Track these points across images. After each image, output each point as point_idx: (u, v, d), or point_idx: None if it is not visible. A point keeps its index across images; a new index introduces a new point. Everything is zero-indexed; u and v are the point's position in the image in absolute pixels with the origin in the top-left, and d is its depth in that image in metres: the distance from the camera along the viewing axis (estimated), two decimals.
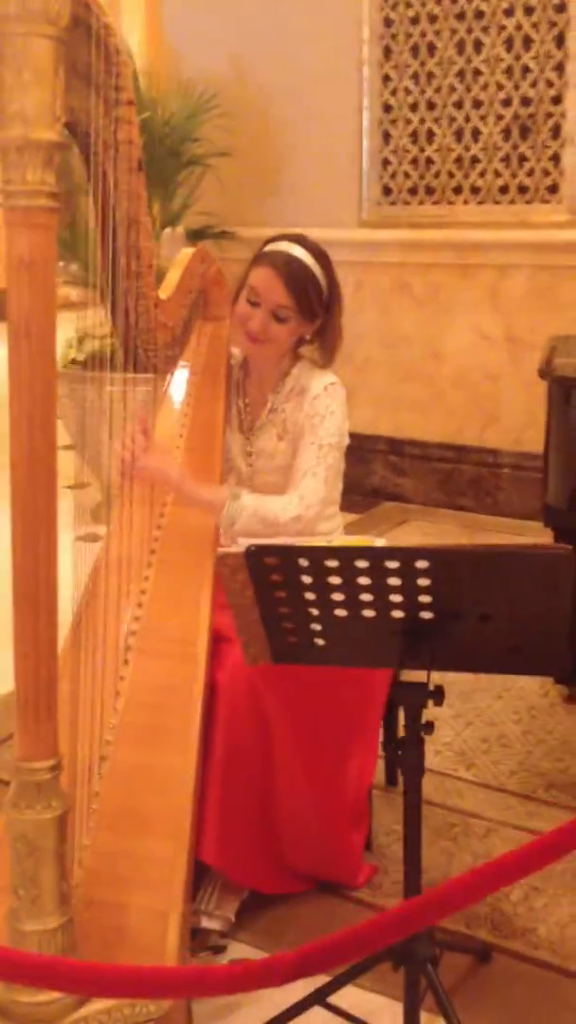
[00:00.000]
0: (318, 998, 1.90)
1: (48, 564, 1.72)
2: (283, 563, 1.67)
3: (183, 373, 2.43)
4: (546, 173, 4.60)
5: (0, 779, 2.69)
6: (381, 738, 2.43)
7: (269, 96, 5.05)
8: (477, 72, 4.65)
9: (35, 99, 1.61)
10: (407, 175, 4.89)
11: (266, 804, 2.22)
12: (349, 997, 1.95)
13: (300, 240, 2.38)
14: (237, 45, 5.02)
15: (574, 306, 4.61)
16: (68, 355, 4.78)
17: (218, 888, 2.19)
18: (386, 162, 4.93)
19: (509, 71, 4.58)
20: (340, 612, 1.71)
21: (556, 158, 4.57)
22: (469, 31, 4.62)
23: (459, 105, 4.71)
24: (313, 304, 2.32)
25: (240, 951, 2.15)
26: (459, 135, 4.74)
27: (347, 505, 2.62)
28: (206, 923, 2.15)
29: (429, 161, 4.82)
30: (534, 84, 4.55)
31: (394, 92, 4.85)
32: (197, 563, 2.21)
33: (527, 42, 4.52)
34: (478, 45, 4.62)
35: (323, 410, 2.32)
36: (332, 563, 1.65)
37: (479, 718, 3.07)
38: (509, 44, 4.56)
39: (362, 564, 1.64)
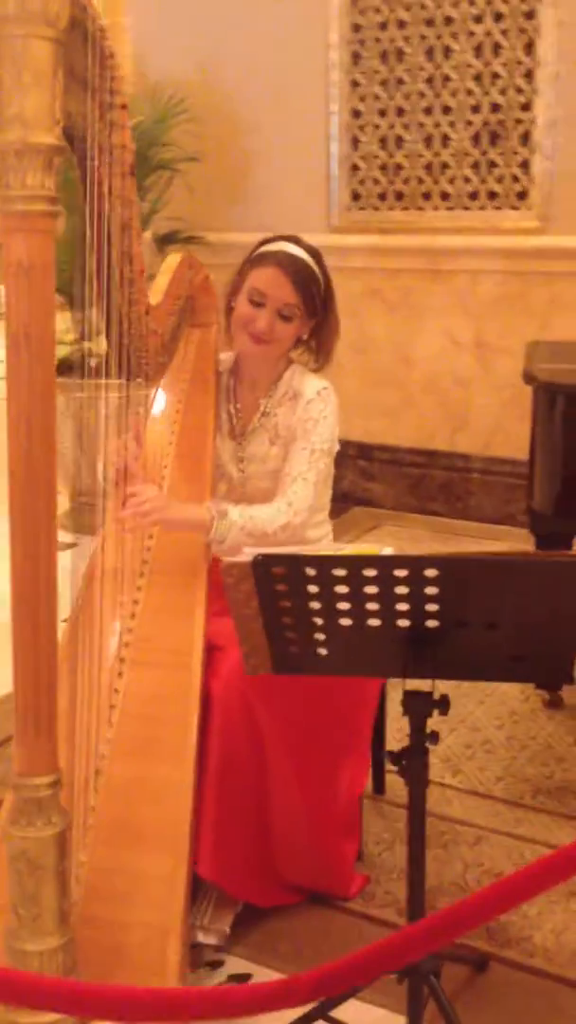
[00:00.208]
0: (321, 1011, 1.87)
1: (48, 573, 1.69)
2: (290, 572, 1.64)
3: (172, 380, 2.40)
4: (515, 179, 4.61)
5: None
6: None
7: (237, 101, 5.03)
8: (446, 78, 4.65)
9: (34, 102, 1.58)
10: (376, 181, 4.89)
11: (260, 815, 2.20)
12: (351, 1010, 1.92)
13: (296, 240, 2.40)
14: (203, 50, 4.99)
15: (544, 312, 4.63)
16: None
17: (213, 902, 2.17)
18: (355, 167, 4.92)
19: (478, 77, 4.59)
20: (345, 621, 1.70)
21: (525, 165, 4.58)
22: (438, 37, 4.63)
23: (428, 111, 4.71)
24: (316, 302, 2.33)
25: (237, 966, 2.12)
26: (428, 141, 4.74)
27: None
28: (202, 938, 2.12)
29: (398, 167, 4.82)
30: (503, 91, 4.56)
31: (363, 98, 4.84)
32: (190, 571, 2.18)
33: (496, 48, 4.53)
34: (447, 51, 4.63)
35: (316, 414, 2.31)
36: (340, 572, 1.63)
37: (462, 724, 3.06)
38: (478, 50, 4.57)
39: (370, 573, 1.62)
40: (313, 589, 1.66)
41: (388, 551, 1.66)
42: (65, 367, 4.64)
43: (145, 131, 4.72)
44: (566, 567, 1.56)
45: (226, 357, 2.48)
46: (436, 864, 2.46)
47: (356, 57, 4.82)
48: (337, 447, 2.36)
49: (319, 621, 1.71)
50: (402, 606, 1.65)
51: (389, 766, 2.67)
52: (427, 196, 4.79)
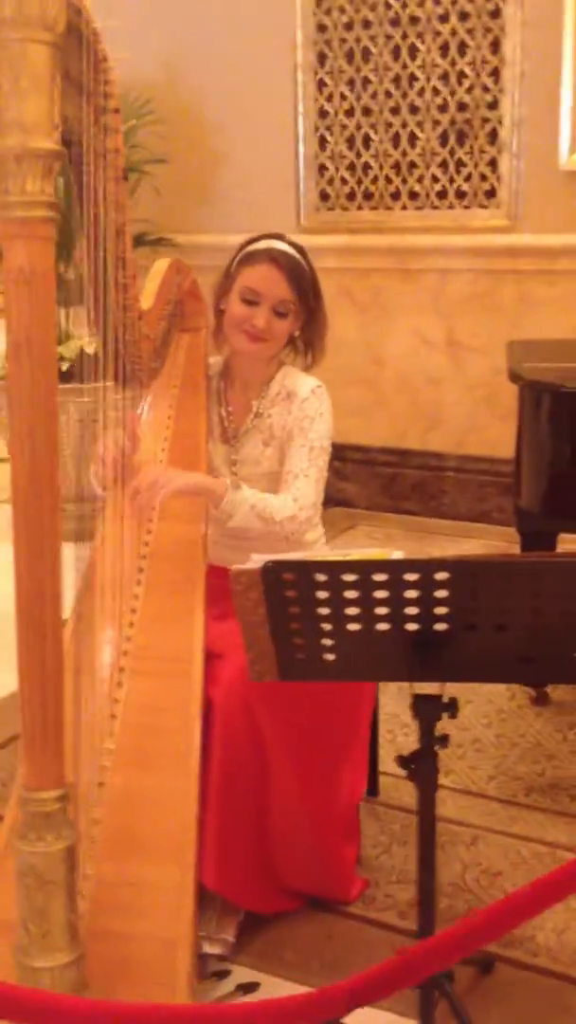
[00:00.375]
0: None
1: (53, 586, 1.66)
2: (299, 578, 1.63)
3: (164, 385, 2.38)
4: (483, 178, 4.63)
5: None
6: None
7: (203, 102, 5.01)
8: (413, 78, 4.66)
9: (33, 107, 1.55)
10: (344, 181, 4.89)
11: (260, 822, 2.19)
12: (360, 1015, 1.91)
13: (281, 237, 2.41)
14: (169, 51, 4.97)
15: (514, 310, 4.66)
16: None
17: (216, 911, 2.15)
18: (323, 168, 4.92)
19: (445, 77, 4.61)
20: (353, 626, 1.69)
21: (493, 163, 4.60)
22: (404, 37, 4.64)
23: (395, 111, 4.72)
24: (309, 296, 2.34)
25: (244, 975, 2.10)
26: (396, 140, 4.75)
27: None
28: (207, 948, 2.11)
29: (366, 167, 4.83)
30: (470, 90, 4.58)
31: (329, 98, 4.84)
32: (187, 578, 2.17)
33: (462, 48, 4.55)
34: (413, 51, 4.63)
35: (313, 412, 2.32)
36: (350, 577, 1.62)
37: (450, 724, 3.04)
38: (444, 50, 4.58)
39: (380, 577, 1.61)
40: (322, 595, 1.65)
41: (398, 555, 1.65)
42: None
43: None
44: None
45: (215, 361, 2.47)
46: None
47: (322, 57, 4.82)
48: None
49: (327, 627, 1.70)
50: (411, 610, 1.65)
51: (383, 768, 2.71)
52: (396, 196, 4.80)
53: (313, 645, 1.73)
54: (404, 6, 4.60)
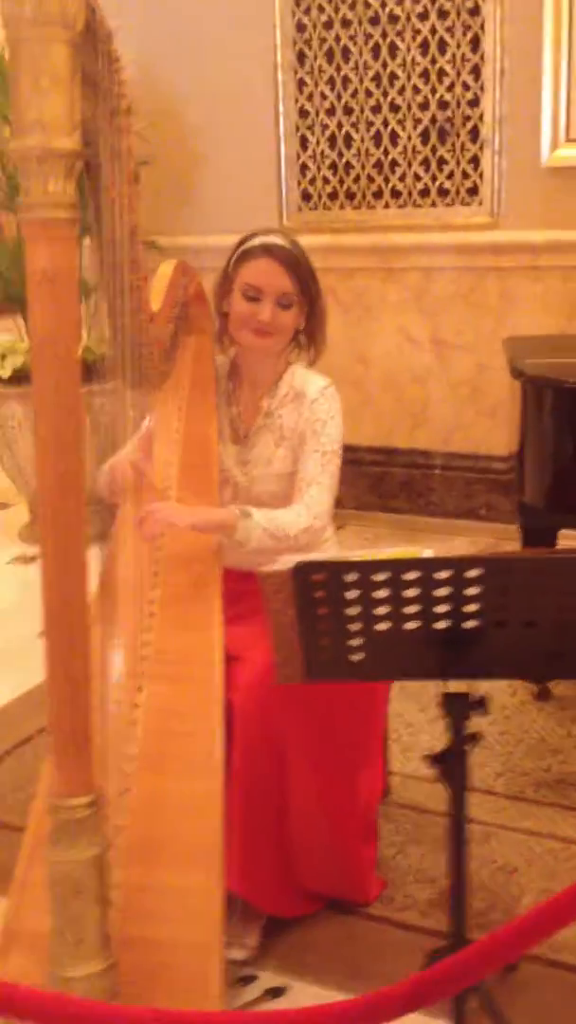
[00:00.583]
0: None
1: (81, 590, 1.65)
2: (330, 579, 1.62)
3: (173, 387, 2.36)
4: (465, 176, 4.64)
5: None
6: None
7: (182, 103, 4.99)
8: (393, 76, 4.66)
9: (54, 106, 1.54)
10: (326, 180, 4.88)
11: (281, 825, 2.17)
12: None
13: (274, 231, 2.41)
14: (149, 52, 4.94)
15: (498, 307, 4.66)
16: None
17: (238, 916, 2.13)
18: (304, 167, 4.91)
19: (425, 75, 4.60)
20: (382, 626, 1.67)
21: (475, 161, 4.61)
22: (384, 35, 4.63)
23: (376, 109, 4.72)
24: (310, 286, 2.34)
25: (271, 980, 2.09)
26: (377, 139, 4.75)
27: None
28: (232, 953, 2.09)
29: (348, 166, 4.82)
30: (450, 87, 4.58)
31: (310, 97, 4.83)
32: (203, 581, 2.15)
33: (442, 46, 4.55)
34: (393, 49, 4.63)
35: (324, 415, 2.31)
36: (381, 576, 1.61)
37: None
38: (424, 48, 4.58)
39: (411, 576, 1.60)
40: (352, 595, 1.64)
41: (428, 553, 1.64)
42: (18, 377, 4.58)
43: None
44: None
45: (220, 362, 2.45)
46: None
47: (302, 57, 4.80)
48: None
49: (355, 627, 1.68)
50: (441, 608, 1.64)
51: (393, 767, 2.71)
52: (378, 194, 4.80)
53: (340, 645, 1.72)
54: (383, 4, 4.60)
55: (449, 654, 1.70)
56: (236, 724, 2.06)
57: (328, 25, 4.72)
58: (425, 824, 2.61)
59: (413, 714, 3.09)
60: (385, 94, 4.69)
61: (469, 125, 4.59)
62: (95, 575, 2.19)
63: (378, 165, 4.77)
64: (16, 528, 4.92)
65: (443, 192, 4.69)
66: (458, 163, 4.64)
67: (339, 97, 4.77)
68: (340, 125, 4.80)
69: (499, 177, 4.57)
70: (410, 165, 4.71)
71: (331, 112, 4.81)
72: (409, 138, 4.68)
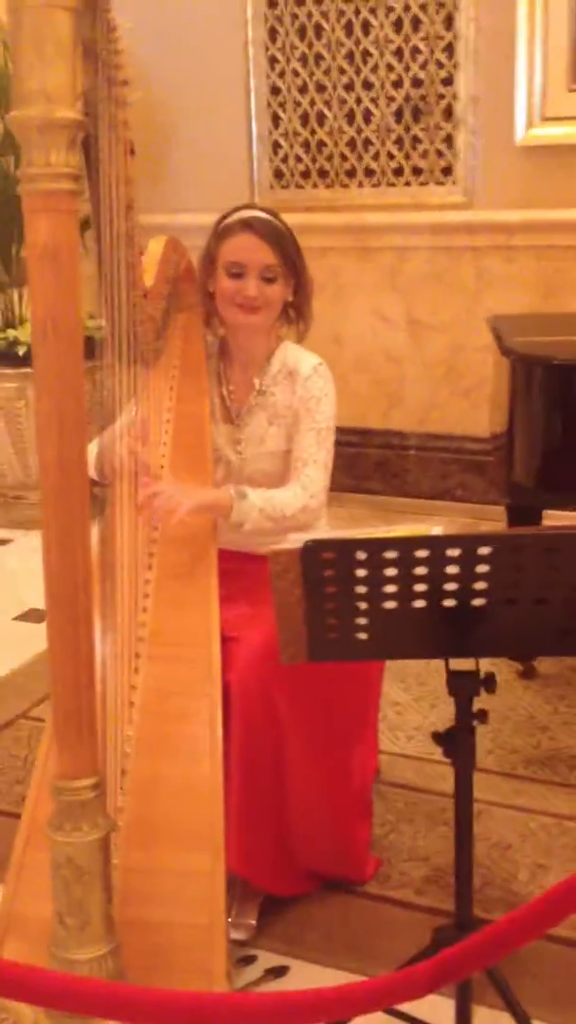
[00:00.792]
0: None
1: (85, 572, 1.62)
2: (340, 557, 1.60)
3: (165, 366, 2.33)
4: (440, 155, 4.62)
5: None
6: None
7: (153, 80, 4.91)
8: (367, 54, 4.63)
9: (57, 75, 1.50)
10: (299, 159, 4.84)
11: (278, 804, 2.16)
12: None
13: (253, 205, 2.40)
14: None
15: (473, 287, 4.66)
16: None
17: (236, 895, 2.12)
18: (277, 145, 4.87)
19: (399, 52, 4.58)
20: (390, 604, 1.66)
21: (449, 140, 4.59)
22: (356, 12, 4.60)
23: (349, 87, 4.69)
24: (294, 258, 2.32)
25: (270, 960, 2.08)
26: (351, 117, 4.72)
27: None
28: (232, 934, 2.08)
29: (321, 144, 4.79)
30: (424, 65, 4.56)
31: (282, 74, 4.79)
32: (199, 560, 2.13)
33: (416, 23, 4.52)
34: (366, 26, 4.60)
35: (318, 392, 2.29)
36: (391, 554, 1.59)
37: (440, 700, 3.07)
38: (398, 25, 4.55)
39: (422, 554, 1.59)
40: (361, 573, 1.62)
41: (437, 531, 1.63)
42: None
43: None
44: None
45: (211, 341, 2.43)
46: (444, 842, 2.46)
47: (273, 33, 4.76)
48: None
49: (363, 605, 1.67)
50: (450, 586, 1.63)
51: (381, 747, 2.70)
52: (351, 173, 4.77)
53: (347, 624, 1.70)
54: None
55: (456, 632, 1.69)
56: (234, 703, 2.04)
57: (300, 1, 4.68)
58: (416, 802, 2.61)
59: (398, 693, 3.08)
60: (358, 72, 4.66)
61: (443, 104, 4.57)
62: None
63: (351, 144, 4.74)
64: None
65: (417, 171, 4.67)
66: (432, 142, 4.62)
67: (311, 74, 4.73)
68: (312, 103, 4.76)
69: (473, 156, 4.56)
70: (383, 144, 4.69)
71: (303, 90, 4.77)
72: (383, 116, 4.66)
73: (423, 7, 4.49)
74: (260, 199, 4.87)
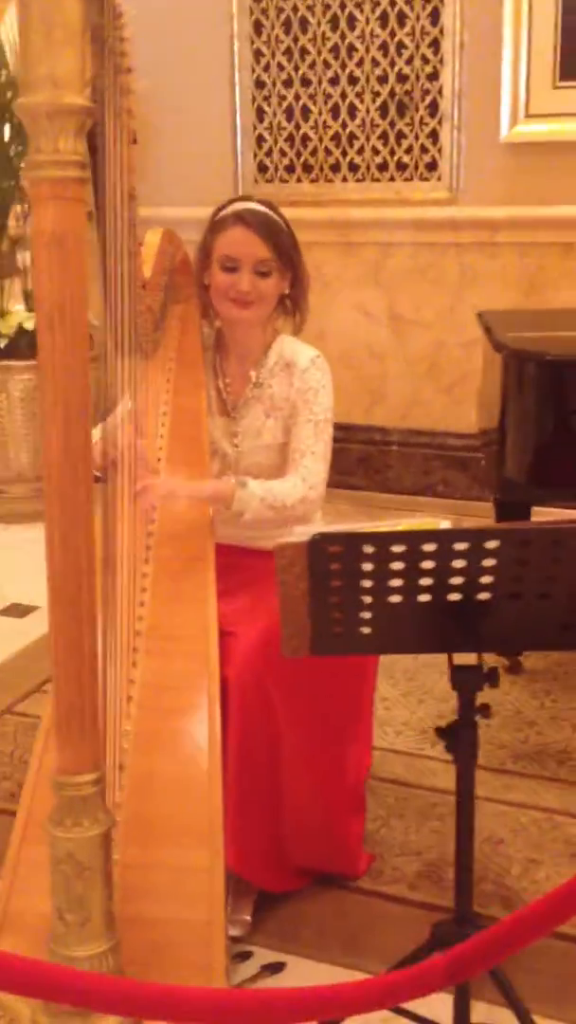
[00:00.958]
0: None
1: (89, 565, 1.60)
2: (346, 550, 1.59)
3: (162, 358, 2.31)
4: (424, 150, 4.62)
5: None
6: None
7: (137, 73, 4.87)
8: (352, 48, 4.62)
9: (66, 61, 1.48)
10: (283, 153, 4.83)
11: (272, 800, 2.15)
12: None
13: (249, 197, 2.38)
14: None
15: (456, 283, 4.66)
16: None
17: (232, 891, 2.11)
18: (261, 139, 4.85)
19: (384, 47, 4.57)
20: (395, 598, 1.65)
21: (434, 135, 4.59)
22: (342, 7, 4.58)
23: (335, 81, 4.67)
24: (289, 251, 2.30)
25: (266, 956, 2.07)
26: (335, 112, 4.70)
27: None
28: (228, 930, 2.06)
29: (305, 138, 4.77)
30: (409, 61, 4.55)
31: (267, 68, 4.77)
32: (196, 555, 2.11)
33: (401, 18, 4.52)
34: (352, 21, 4.59)
35: (315, 384, 2.29)
36: (398, 548, 1.58)
37: (428, 695, 3.07)
38: (383, 20, 4.54)
39: (429, 547, 1.58)
40: (367, 567, 1.61)
41: (445, 524, 1.62)
42: None
43: None
44: None
45: (207, 333, 2.41)
46: (436, 837, 2.46)
47: (258, 26, 4.74)
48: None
49: (368, 599, 1.66)
50: (456, 580, 1.62)
51: (377, 742, 2.70)
52: (336, 168, 4.76)
53: (351, 618, 1.69)
54: None
55: (460, 626, 1.69)
56: (232, 698, 2.03)
57: None
58: (407, 797, 2.61)
59: (386, 689, 3.08)
60: (343, 66, 4.64)
61: (428, 99, 4.57)
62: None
63: (336, 138, 4.73)
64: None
65: (402, 167, 4.67)
66: (417, 137, 4.61)
67: (296, 68, 4.72)
68: (298, 97, 4.75)
69: (458, 152, 4.56)
70: (368, 139, 4.68)
71: (288, 83, 4.75)
72: (368, 111, 4.65)
73: (409, 2, 4.49)
74: (244, 193, 4.85)
